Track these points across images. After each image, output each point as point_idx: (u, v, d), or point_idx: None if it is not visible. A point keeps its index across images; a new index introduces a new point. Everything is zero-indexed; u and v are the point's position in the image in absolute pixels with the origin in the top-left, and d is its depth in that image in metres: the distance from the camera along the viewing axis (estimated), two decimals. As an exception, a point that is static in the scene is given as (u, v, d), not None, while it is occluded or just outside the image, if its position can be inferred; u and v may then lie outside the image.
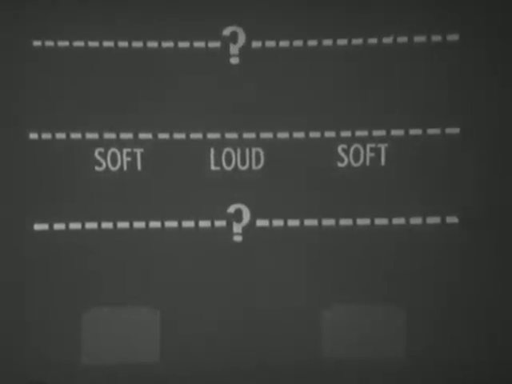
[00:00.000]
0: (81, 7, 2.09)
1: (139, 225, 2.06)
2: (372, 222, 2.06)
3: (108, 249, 2.05)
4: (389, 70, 2.08)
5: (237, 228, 2.07)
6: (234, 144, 2.08)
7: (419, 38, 2.08)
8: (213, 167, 2.08)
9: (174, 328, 2.05)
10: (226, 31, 2.10)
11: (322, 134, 2.08)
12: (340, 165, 2.08)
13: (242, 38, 2.10)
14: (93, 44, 2.09)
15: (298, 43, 2.09)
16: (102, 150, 2.07)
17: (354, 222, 2.06)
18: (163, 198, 2.07)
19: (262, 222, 2.07)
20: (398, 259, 2.05)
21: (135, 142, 2.08)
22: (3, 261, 2.03)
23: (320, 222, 2.06)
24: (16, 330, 2.03)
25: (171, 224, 2.06)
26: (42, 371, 2.03)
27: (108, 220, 2.06)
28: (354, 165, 2.07)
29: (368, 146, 2.07)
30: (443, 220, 2.05)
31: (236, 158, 2.08)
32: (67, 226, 2.05)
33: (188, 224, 2.06)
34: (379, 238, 2.05)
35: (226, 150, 2.08)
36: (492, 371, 2.02)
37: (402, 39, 2.08)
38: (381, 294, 2.05)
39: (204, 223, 2.07)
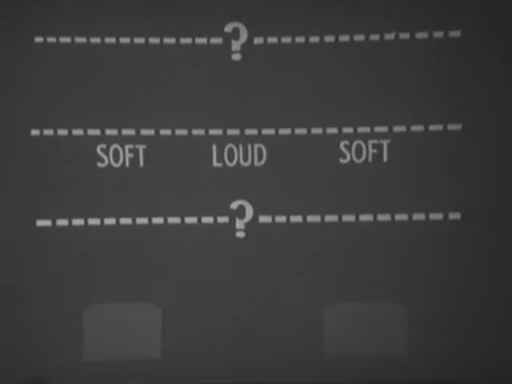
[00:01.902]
0: (82, 3, 2.08)
1: (142, 221, 2.06)
2: (374, 218, 2.06)
3: (110, 245, 2.05)
4: (391, 67, 2.08)
5: (239, 224, 2.07)
6: (236, 140, 2.08)
7: (421, 35, 2.08)
8: (215, 163, 2.08)
9: (176, 325, 2.05)
10: (228, 27, 2.10)
11: (324, 131, 2.08)
12: (342, 161, 2.08)
13: (243, 35, 2.10)
14: (94, 40, 2.08)
15: (299, 39, 2.09)
16: (104, 146, 2.07)
17: (357, 218, 2.06)
18: (166, 195, 2.07)
19: (264, 218, 2.07)
20: (401, 255, 2.05)
21: (137, 138, 2.07)
22: (6, 257, 2.03)
23: (322, 218, 2.06)
24: (17, 327, 2.03)
25: (174, 220, 2.06)
26: (43, 368, 2.03)
27: (110, 216, 2.06)
28: (357, 161, 2.08)
29: (370, 143, 2.07)
30: (446, 216, 2.05)
31: (238, 154, 2.08)
32: (70, 222, 2.05)
33: (191, 220, 2.06)
34: (382, 234, 2.05)
35: (228, 146, 2.08)
36: (493, 369, 2.02)
37: (404, 35, 2.08)
38: (383, 291, 2.05)
39: (207, 219, 2.07)
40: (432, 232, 2.05)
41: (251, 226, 2.07)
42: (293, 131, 2.08)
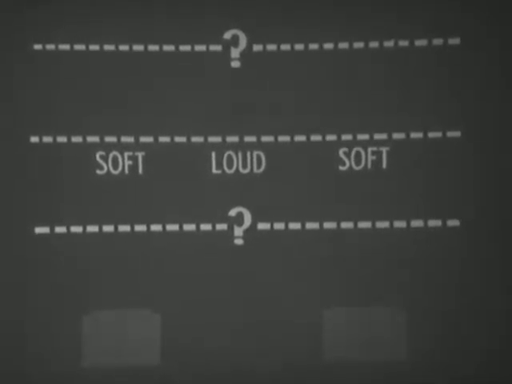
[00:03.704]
0: (82, 11, 2.09)
1: (140, 228, 2.06)
2: (373, 225, 2.06)
3: (109, 252, 2.05)
4: (390, 74, 2.08)
5: (238, 231, 2.07)
6: (235, 147, 2.08)
7: (420, 42, 2.08)
8: (214, 170, 2.08)
9: (175, 331, 2.05)
10: (227, 35, 2.10)
11: (324, 138, 2.08)
12: (341, 168, 2.08)
13: (243, 42, 2.10)
14: (94, 47, 2.08)
15: (299, 47, 2.09)
16: (103, 153, 2.07)
17: (355, 225, 2.06)
18: (164, 202, 2.07)
19: (263, 225, 2.07)
20: (399, 262, 2.05)
21: (136, 146, 2.08)
22: (4, 264, 2.03)
23: (321, 225, 2.06)
24: (17, 334, 2.03)
25: (172, 227, 2.06)
26: (43, 374, 2.03)
27: (109, 223, 2.05)
28: (356, 168, 2.07)
29: (369, 150, 2.07)
30: (444, 223, 2.05)
31: (237, 162, 2.08)
32: (68, 229, 2.05)
33: (189, 227, 2.06)
34: (380, 240, 2.05)
35: (227, 153, 2.08)
36: (493, 373, 2.02)
37: (403, 43, 2.08)
38: (382, 297, 2.05)
39: (205, 226, 2.06)
40: (431, 239, 2.05)
41: (250, 233, 2.07)
42: (292, 138, 2.08)
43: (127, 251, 2.05)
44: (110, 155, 2.07)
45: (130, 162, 2.07)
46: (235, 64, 2.09)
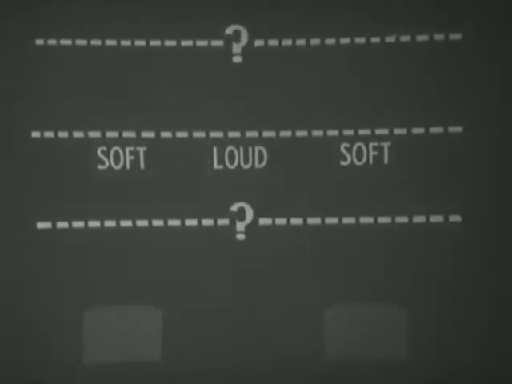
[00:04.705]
0: (83, 6, 2.09)
1: (142, 223, 2.06)
2: (375, 220, 2.06)
3: (111, 247, 2.05)
4: (391, 69, 2.08)
5: (240, 226, 2.07)
6: (236, 142, 2.08)
7: (422, 37, 2.08)
8: (216, 166, 2.08)
9: (176, 327, 2.05)
10: (229, 30, 2.10)
11: (325, 133, 2.08)
12: (343, 163, 2.08)
13: (244, 37, 2.10)
14: (95, 42, 2.08)
15: (300, 42, 2.09)
16: (104, 148, 2.07)
17: (357, 220, 2.06)
18: (166, 197, 2.07)
19: (265, 221, 2.07)
20: (401, 258, 2.05)
21: (138, 141, 2.08)
22: (5, 259, 2.03)
23: (323, 221, 2.06)
24: (17, 329, 2.03)
25: (174, 222, 2.06)
26: (43, 370, 2.03)
27: (111, 219, 2.05)
28: (357, 163, 2.07)
29: (371, 145, 2.07)
30: (446, 219, 2.05)
31: (239, 157, 2.08)
32: (70, 224, 2.05)
33: (191, 222, 2.06)
34: (382, 236, 2.05)
35: (228, 148, 2.08)
36: (493, 371, 2.02)
37: (405, 38, 2.08)
38: (383, 293, 2.05)
39: (207, 222, 2.06)
40: (433, 234, 2.05)
41: (251, 228, 2.07)
42: (293, 133, 2.08)
43: (129, 246, 2.05)
44: (112, 150, 2.07)
45: (132, 157, 2.07)
46: (237, 59, 2.09)
